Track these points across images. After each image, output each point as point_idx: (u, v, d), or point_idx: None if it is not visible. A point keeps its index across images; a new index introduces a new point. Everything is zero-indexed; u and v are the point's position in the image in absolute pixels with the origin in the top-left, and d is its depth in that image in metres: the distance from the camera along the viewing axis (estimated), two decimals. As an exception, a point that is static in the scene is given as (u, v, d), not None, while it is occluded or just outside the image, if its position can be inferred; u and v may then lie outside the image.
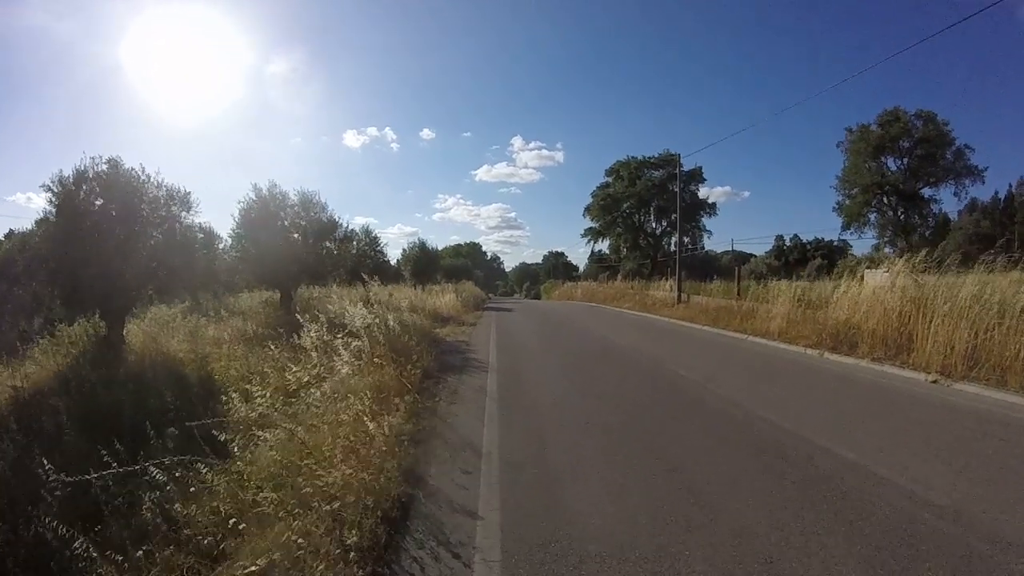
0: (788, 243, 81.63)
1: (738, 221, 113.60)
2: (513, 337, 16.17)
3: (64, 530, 3.45)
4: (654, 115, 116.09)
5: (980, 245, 38.90)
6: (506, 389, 8.17)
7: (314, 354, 7.98)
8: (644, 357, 11.93)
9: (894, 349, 11.18)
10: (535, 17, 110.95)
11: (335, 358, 7.29)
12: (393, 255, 36.92)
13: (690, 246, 63.78)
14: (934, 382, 8.72)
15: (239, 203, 18.06)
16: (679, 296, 26.40)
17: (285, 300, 18.73)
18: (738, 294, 21.90)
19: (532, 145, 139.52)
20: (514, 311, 30.21)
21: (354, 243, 25.15)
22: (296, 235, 18.74)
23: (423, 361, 9.15)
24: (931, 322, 10.51)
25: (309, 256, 18.61)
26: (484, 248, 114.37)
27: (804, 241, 78.94)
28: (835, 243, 72.64)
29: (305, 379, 7.37)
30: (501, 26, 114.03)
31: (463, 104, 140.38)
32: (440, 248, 59.65)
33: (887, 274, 13.51)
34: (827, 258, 65.82)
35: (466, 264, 55.55)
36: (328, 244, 19.71)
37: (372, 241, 25.59)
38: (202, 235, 24.72)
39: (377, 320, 9.10)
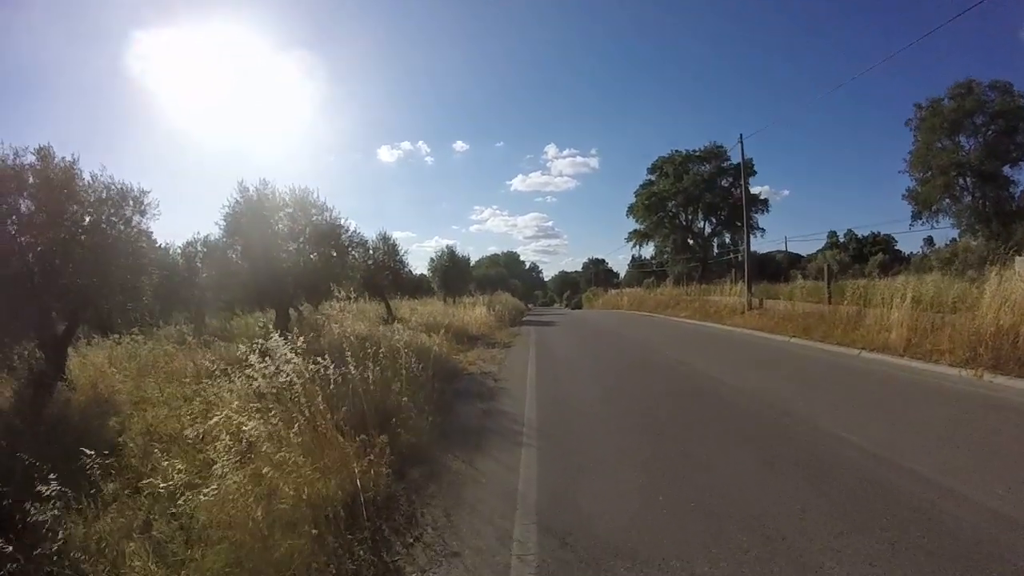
0: (843, 239, 76.60)
1: (779, 221, 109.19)
2: (559, 366, 12.30)
3: None
4: (688, 115, 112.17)
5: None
6: (560, 495, 4.43)
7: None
8: (756, 401, 7.69)
9: (1091, 368, 8.00)
10: (563, 22, 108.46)
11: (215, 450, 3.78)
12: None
13: (732, 247, 59.47)
14: None
15: (224, 207, 14.96)
16: (749, 301, 22.40)
17: (281, 320, 15.34)
18: (829, 297, 17.89)
19: (566, 152, 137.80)
20: (557, 325, 26.37)
21: (370, 251, 22.00)
22: (293, 244, 15.57)
23: (412, 430, 5.63)
24: None
25: (306, 267, 15.42)
26: (522, 258, 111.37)
27: (860, 236, 73.96)
28: (883, 236, 67.84)
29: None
30: (529, 34, 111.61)
31: (494, 114, 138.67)
32: (476, 259, 56.75)
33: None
34: (887, 253, 60.96)
35: (502, 273, 51.90)
36: (333, 253, 16.42)
37: (391, 249, 22.19)
38: (204, 248, 22.01)
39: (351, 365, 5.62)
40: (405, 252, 22.44)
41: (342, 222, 16.01)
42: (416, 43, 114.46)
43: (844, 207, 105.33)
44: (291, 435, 4.19)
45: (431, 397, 7.04)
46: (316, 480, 3.93)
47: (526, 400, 8.01)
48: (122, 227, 11.33)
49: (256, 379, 4.48)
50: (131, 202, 11.32)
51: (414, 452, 5.23)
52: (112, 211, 11.02)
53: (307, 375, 4.59)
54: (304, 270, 15.31)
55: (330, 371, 4.82)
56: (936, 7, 63.95)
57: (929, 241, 73.46)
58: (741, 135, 23.77)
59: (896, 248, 65.34)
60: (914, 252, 65.49)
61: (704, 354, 12.86)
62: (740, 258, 57.97)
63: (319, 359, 4.87)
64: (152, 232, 12.69)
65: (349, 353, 5.51)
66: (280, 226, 15.26)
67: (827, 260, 31.95)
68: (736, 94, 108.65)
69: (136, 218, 11.81)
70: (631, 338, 17.71)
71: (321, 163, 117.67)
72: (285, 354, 4.56)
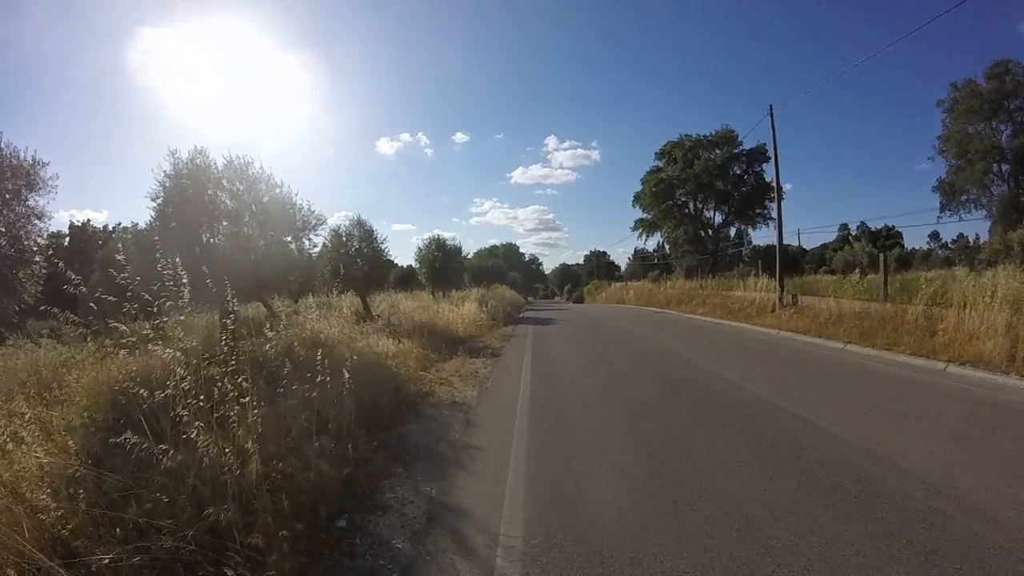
0: (854, 232, 73.32)
1: (783, 214, 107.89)
2: (565, 396, 8.20)
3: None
4: (689, 109, 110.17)
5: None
6: None
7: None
8: (885, 468, 4.49)
9: None
10: (560, 14, 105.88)
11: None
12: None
13: (737, 239, 56.22)
14: None
15: (156, 184, 12.04)
16: (781, 298, 19.29)
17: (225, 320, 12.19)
18: (885, 294, 14.84)
19: (566, 145, 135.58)
20: (559, 323, 23.00)
21: (343, 238, 18.89)
22: (235, 227, 12.56)
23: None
24: None
25: (254, 255, 12.44)
26: (522, 250, 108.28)
27: (873, 229, 70.68)
28: (895, 230, 64.57)
29: None
30: (527, 25, 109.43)
31: (494, 105, 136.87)
32: (474, 250, 53.40)
33: None
34: (901, 247, 57.64)
35: (499, 265, 48.42)
36: (287, 237, 13.38)
37: (367, 236, 19.02)
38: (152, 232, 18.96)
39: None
40: (384, 239, 19.18)
41: (295, 199, 12.93)
42: (416, 35, 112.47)
43: (848, 200, 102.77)
44: None
45: (333, 474, 3.97)
46: None
47: (509, 479, 4.63)
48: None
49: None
50: (23, 175, 9.22)
51: None
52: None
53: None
54: (250, 259, 12.34)
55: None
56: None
57: (935, 236, 70.80)
58: (771, 106, 20.65)
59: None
60: (916, 248, 62.88)
61: (762, 373, 9.47)
62: (744, 251, 55.11)
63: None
64: (49, 214, 10.36)
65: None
66: (221, 205, 12.29)
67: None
68: (737, 87, 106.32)
69: (24, 194, 9.57)
70: (655, 344, 14.30)
71: (320, 156, 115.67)
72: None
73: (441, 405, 7.56)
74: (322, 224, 13.38)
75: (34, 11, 70.92)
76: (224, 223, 12.33)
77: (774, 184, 47.85)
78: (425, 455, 5.33)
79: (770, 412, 6.50)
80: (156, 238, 12.39)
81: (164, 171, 11.54)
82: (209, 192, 12.01)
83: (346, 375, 5.06)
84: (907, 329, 12.16)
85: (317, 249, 15.59)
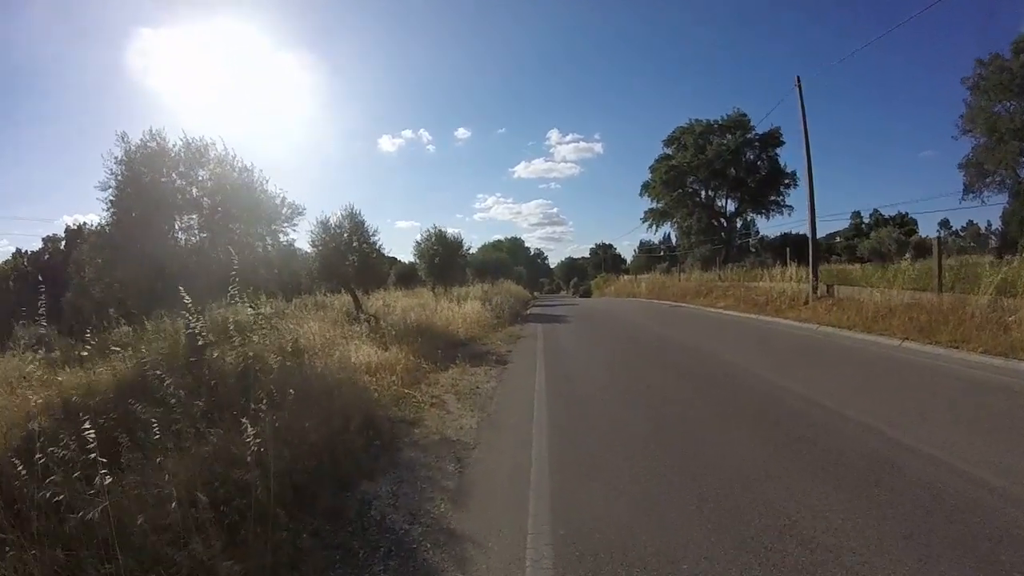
0: (868, 219, 71.21)
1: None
2: (595, 428, 6.01)
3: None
4: (692, 97, 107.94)
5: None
6: None
7: None
8: None
9: None
10: (562, 6, 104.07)
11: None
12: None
13: (744, 230, 54.19)
14: None
15: (107, 173, 10.32)
16: (815, 288, 17.45)
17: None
18: (940, 284, 13.04)
19: (569, 138, 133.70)
20: (571, 321, 21.04)
21: (332, 230, 17.09)
22: (196, 217, 10.92)
23: None
24: None
25: (221, 251, 10.77)
26: (527, 244, 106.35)
27: (886, 216, 68.52)
28: (910, 217, 62.25)
29: None
30: (526, 18, 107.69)
31: (495, 100, 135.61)
32: (479, 245, 51.33)
33: None
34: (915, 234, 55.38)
35: (504, 259, 46.34)
36: (259, 229, 11.63)
37: (358, 228, 17.20)
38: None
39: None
40: (376, 230, 17.22)
41: (267, 186, 11.21)
42: (416, 31, 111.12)
43: (851, 189, 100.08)
44: None
45: None
46: None
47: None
48: None
49: None
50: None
51: None
52: None
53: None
54: (215, 254, 10.70)
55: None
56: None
57: (945, 224, 68.59)
58: (799, 77, 18.76)
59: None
60: (926, 235, 60.65)
61: (830, 384, 7.80)
62: (751, 241, 52.92)
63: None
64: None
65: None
66: (180, 194, 10.63)
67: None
68: (739, 76, 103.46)
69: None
70: (687, 345, 12.50)
71: (323, 155, 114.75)
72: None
73: (427, 443, 5.65)
74: (299, 214, 11.70)
75: (33, 14, 69.96)
76: (192, 215, 10.76)
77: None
78: (391, 547, 3.42)
79: (898, 456, 4.70)
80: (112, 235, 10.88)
81: (115, 157, 9.89)
82: (171, 178, 10.41)
83: (248, 429, 3.30)
84: (975, 324, 10.49)
85: (299, 242, 13.91)
